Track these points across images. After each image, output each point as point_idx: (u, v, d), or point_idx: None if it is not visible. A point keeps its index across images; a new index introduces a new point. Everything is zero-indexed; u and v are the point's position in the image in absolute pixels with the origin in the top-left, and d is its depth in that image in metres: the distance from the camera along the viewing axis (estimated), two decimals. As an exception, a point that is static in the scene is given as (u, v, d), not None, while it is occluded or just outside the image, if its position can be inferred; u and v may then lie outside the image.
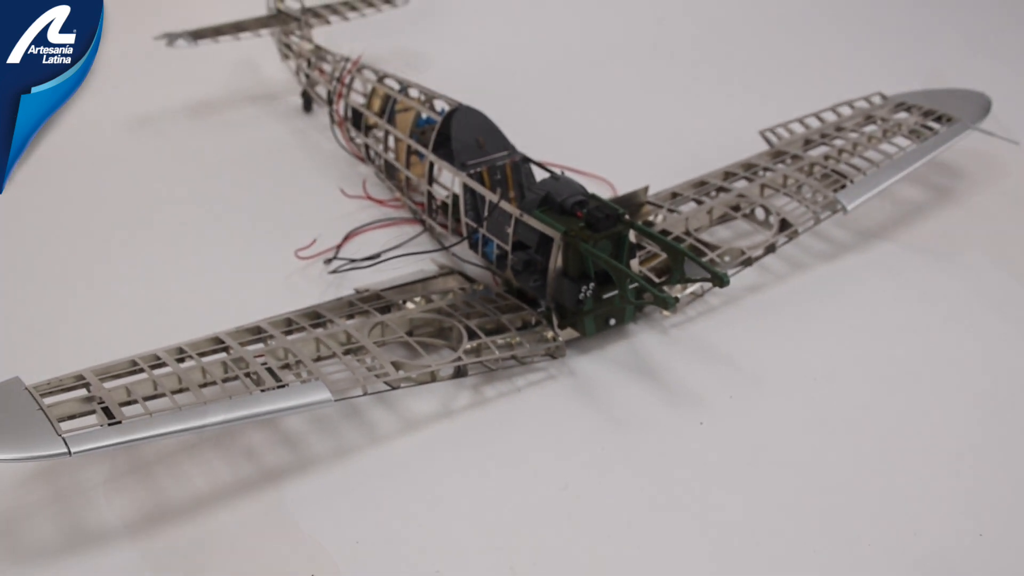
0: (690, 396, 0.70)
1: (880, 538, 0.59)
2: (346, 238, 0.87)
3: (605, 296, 0.72)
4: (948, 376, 0.72)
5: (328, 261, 0.84)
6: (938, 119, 0.88)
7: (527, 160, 0.81)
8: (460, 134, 0.82)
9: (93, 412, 0.58)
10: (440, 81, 1.17)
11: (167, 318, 0.78)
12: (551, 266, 0.71)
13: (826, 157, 0.86)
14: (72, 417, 0.58)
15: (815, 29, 1.34)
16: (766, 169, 0.85)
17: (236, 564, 0.58)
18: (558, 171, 0.78)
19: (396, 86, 0.91)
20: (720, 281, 0.68)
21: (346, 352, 0.66)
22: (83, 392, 0.60)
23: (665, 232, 0.80)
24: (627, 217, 0.71)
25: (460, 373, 0.68)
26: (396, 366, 0.65)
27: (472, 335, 0.69)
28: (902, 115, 0.90)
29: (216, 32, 1.06)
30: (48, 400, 0.58)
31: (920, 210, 0.90)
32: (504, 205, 0.74)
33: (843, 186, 0.82)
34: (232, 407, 0.59)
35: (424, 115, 0.87)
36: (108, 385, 0.60)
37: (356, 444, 0.66)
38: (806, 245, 0.85)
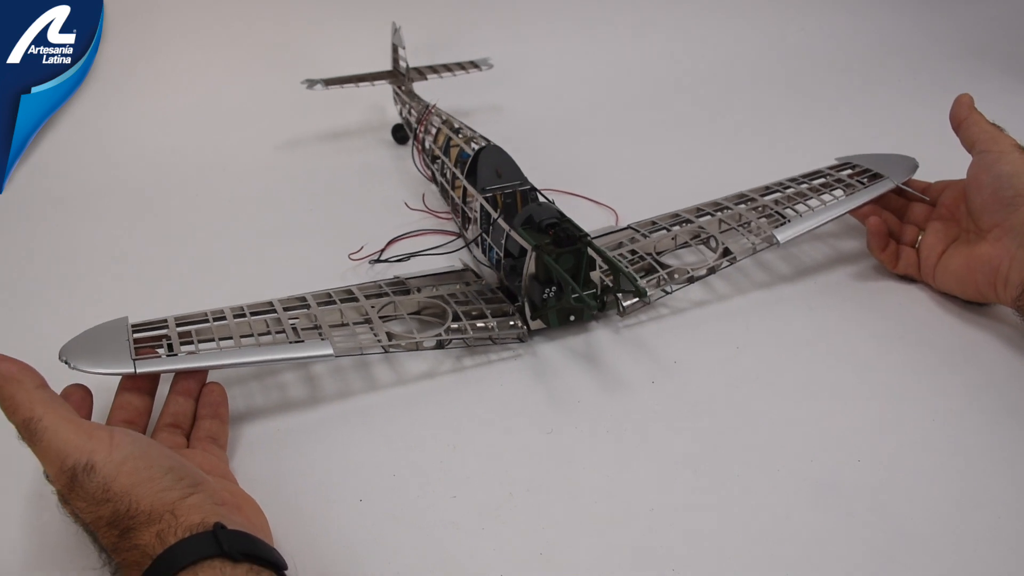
0: (619, 379, 0.68)
1: (787, 464, 0.60)
2: (389, 243, 0.88)
3: (565, 297, 0.71)
4: (835, 360, 0.69)
5: (372, 262, 0.85)
6: (871, 176, 0.82)
7: (534, 189, 0.81)
8: (484, 166, 0.82)
9: (162, 346, 0.63)
10: (506, 124, 1.19)
11: (256, 290, 0.77)
12: (525, 271, 0.71)
13: (776, 202, 0.82)
14: (149, 347, 0.62)
15: (808, 91, 1.28)
16: (727, 208, 0.82)
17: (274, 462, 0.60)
18: (554, 197, 0.78)
19: (453, 127, 0.93)
20: (640, 295, 0.67)
21: (357, 322, 0.68)
22: (163, 331, 0.64)
23: (634, 251, 0.79)
24: (587, 238, 0.70)
25: (440, 345, 0.69)
26: (390, 336, 0.67)
27: (456, 318, 0.70)
28: (845, 172, 0.84)
29: (343, 80, 1.10)
30: (137, 335, 0.63)
31: (848, 256, 0.84)
32: (500, 222, 0.75)
33: (782, 224, 0.78)
34: (254, 353, 0.62)
35: (466, 151, 0.88)
36: (180, 328, 0.64)
37: (383, 398, 0.67)
38: (749, 273, 0.81)
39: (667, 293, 0.76)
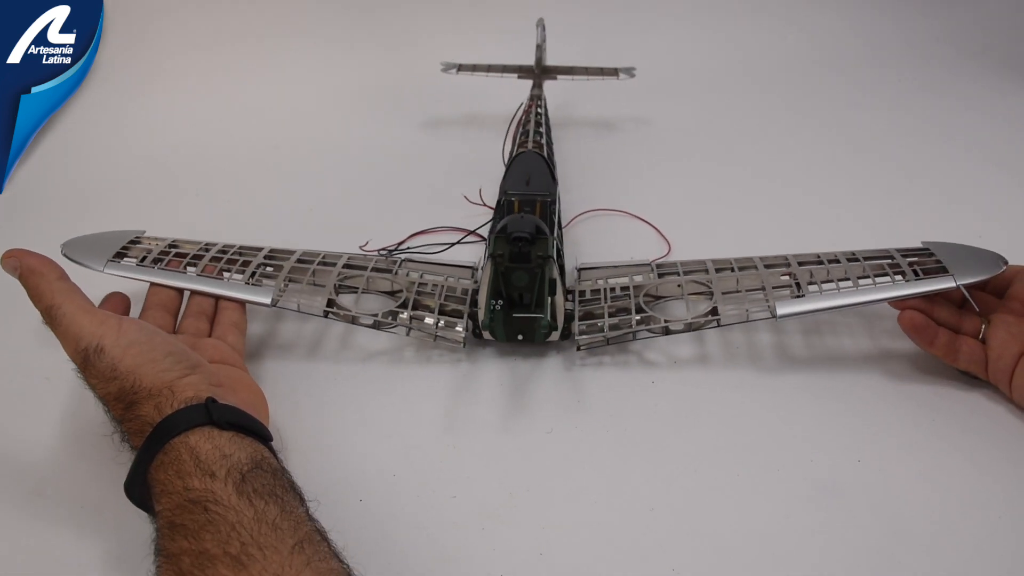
0: (530, 410, 0.65)
1: (786, 464, 0.60)
2: (410, 236, 0.87)
3: (515, 315, 0.68)
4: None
5: (382, 252, 0.85)
6: (934, 270, 0.67)
7: (555, 203, 0.78)
8: (516, 170, 0.82)
9: (139, 259, 0.71)
10: (651, 137, 1.16)
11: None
12: (483, 279, 0.69)
13: (811, 272, 0.70)
14: (131, 256, 0.71)
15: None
16: (752, 268, 0.72)
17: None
18: (617, 217, 0.75)
19: (527, 129, 0.92)
20: (549, 326, 0.64)
21: (310, 284, 0.72)
22: (154, 246, 0.73)
23: (624, 288, 0.73)
24: (548, 258, 0.67)
25: (376, 326, 0.70)
26: (330, 304, 0.70)
27: (404, 306, 0.71)
28: (912, 259, 0.69)
29: (474, 68, 1.13)
30: (132, 244, 0.72)
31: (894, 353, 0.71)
32: (487, 227, 0.74)
33: (798, 297, 0.67)
34: (201, 283, 0.69)
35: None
36: (170, 249, 0.73)
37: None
38: (761, 347, 0.71)
39: (633, 339, 0.70)
